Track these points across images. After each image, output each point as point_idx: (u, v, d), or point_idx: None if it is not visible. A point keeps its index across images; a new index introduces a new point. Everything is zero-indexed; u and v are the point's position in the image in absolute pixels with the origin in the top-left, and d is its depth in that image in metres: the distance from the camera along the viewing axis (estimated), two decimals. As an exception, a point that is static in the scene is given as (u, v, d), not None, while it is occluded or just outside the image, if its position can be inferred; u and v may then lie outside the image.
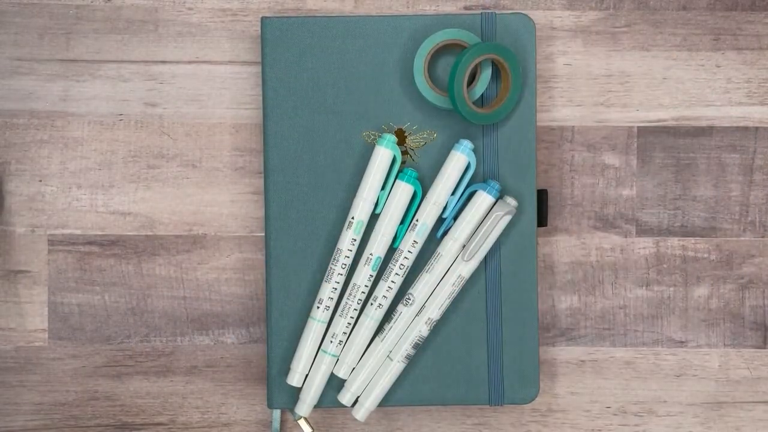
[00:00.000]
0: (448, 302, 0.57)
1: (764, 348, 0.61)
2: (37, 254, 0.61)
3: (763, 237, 0.61)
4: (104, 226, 0.61)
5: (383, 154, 0.56)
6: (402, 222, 0.57)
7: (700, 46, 0.61)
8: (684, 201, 0.61)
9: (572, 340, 0.61)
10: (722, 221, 0.61)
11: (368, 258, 0.57)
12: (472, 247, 0.56)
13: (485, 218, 0.56)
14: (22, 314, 0.61)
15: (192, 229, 0.61)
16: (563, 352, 0.61)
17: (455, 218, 0.57)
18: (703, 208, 0.61)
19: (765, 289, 0.61)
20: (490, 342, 0.59)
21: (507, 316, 0.58)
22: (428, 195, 0.57)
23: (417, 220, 0.57)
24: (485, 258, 0.58)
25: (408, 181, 0.57)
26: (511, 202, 0.57)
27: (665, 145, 0.61)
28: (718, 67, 0.61)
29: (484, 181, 0.58)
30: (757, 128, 0.61)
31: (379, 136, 0.57)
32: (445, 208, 0.57)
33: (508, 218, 0.56)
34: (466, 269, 0.57)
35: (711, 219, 0.61)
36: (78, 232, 0.61)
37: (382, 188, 0.57)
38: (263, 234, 0.60)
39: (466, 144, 0.57)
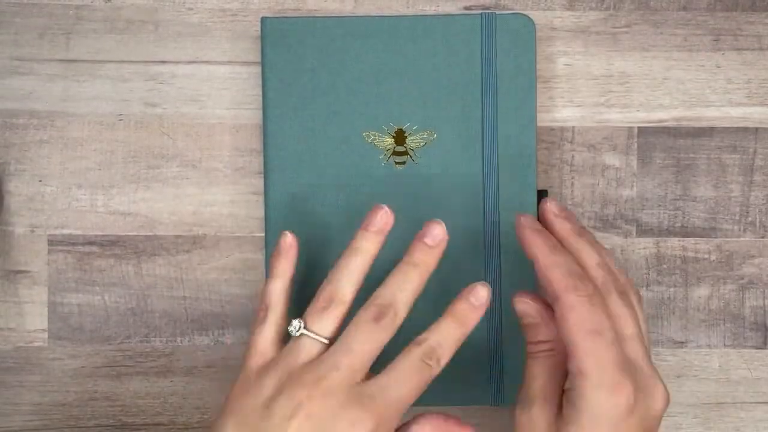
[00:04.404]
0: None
1: (764, 348, 0.61)
2: (37, 254, 0.61)
3: (763, 237, 0.61)
4: (104, 227, 0.61)
5: None
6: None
7: (701, 47, 0.61)
8: (684, 201, 0.61)
9: (572, 340, 0.61)
10: (722, 222, 0.61)
11: None
12: None
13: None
14: (22, 314, 0.61)
15: (192, 229, 0.61)
16: (563, 353, 0.61)
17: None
18: (704, 209, 0.61)
19: (765, 289, 0.61)
20: (491, 342, 0.59)
21: (507, 315, 0.58)
22: None
23: None
24: (485, 257, 0.58)
25: None
26: None
27: (665, 145, 0.61)
28: (719, 67, 0.61)
29: None
30: (757, 129, 0.61)
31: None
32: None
33: None
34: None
35: (711, 219, 0.61)
36: (78, 232, 0.61)
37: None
38: (263, 234, 0.60)
39: None
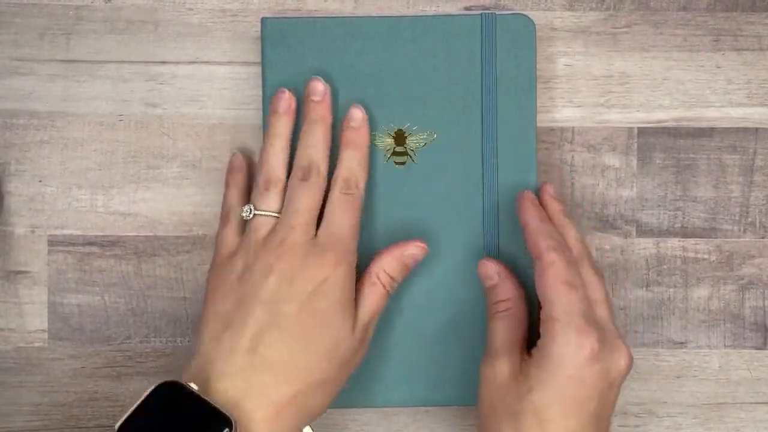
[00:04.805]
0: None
1: (764, 349, 0.61)
2: (37, 254, 0.61)
3: (763, 238, 0.61)
4: (104, 227, 0.61)
5: None
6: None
7: (701, 47, 0.61)
8: (684, 202, 0.61)
9: (572, 340, 0.61)
10: (722, 222, 0.61)
11: None
12: None
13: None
14: (22, 314, 0.61)
15: (192, 229, 0.61)
16: (563, 353, 0.61)
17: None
18: (704, 209, 0.61)
19: (765, 290, 0.61)
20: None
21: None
22: None
23: None
24: (485, 257, 0.58)
25: None
26: None
27: (665, 146, 0.61)
28: (719, 68, 0.61)
29: None
30: (757, 129, 0.61)
31: None
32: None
33: None
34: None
35: (711, 220, 0.61)
36: (78, 232, 0.61)
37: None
38: (263, 234, 0.60)
39: None
